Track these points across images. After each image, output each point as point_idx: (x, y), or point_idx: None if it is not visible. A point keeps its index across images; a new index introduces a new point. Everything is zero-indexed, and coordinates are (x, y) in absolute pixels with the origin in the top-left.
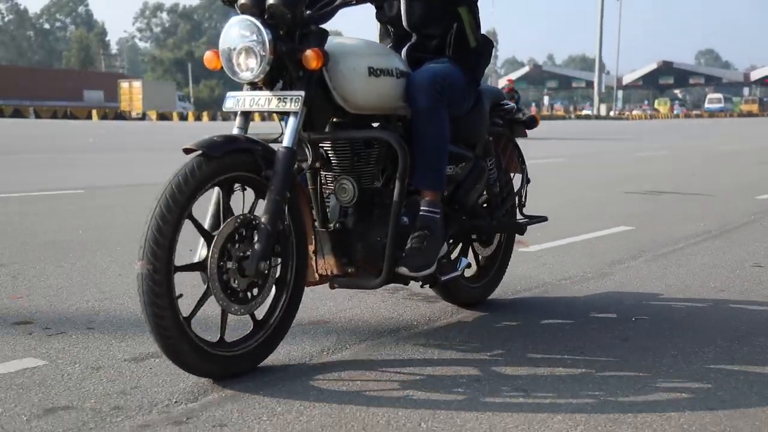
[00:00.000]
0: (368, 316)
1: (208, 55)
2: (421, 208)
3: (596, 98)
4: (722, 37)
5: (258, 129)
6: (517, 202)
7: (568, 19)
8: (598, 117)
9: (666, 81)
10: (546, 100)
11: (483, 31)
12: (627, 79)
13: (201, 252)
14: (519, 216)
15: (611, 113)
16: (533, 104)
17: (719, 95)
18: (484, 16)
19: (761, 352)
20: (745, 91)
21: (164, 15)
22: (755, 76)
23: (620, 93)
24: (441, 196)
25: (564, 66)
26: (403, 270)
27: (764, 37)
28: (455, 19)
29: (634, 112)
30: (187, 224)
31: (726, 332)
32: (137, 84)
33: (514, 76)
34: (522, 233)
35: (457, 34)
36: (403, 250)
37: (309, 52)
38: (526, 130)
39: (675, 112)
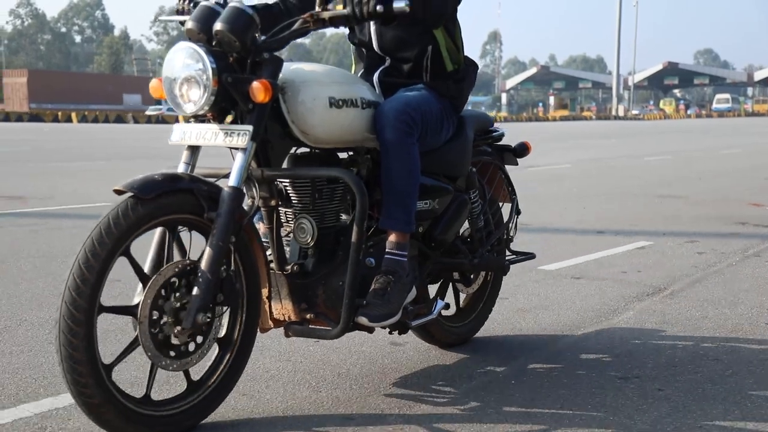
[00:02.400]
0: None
1: (153, 84)
2: (387, 250)
3: (615, 99)
4: (720, 36)
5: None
6: (504, 236)
7: (569, 19)
8: (617, 117)
9: (671, 81)
10: (551, 100)
11: (486, 32)
12: (632, 80)
13: (138, 296)
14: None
15: (627, 113)
16: (540, 104)
17: (727, 95)
18: (490, 18)
19: None
20: (749, 90)
21: None
22: (759, 76)
23: (626, 94)
24: (409, 237)
25: (566, 66)
26: (362, 320)
27: (763, 36)
28: (430, 41)
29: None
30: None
31: None
32: None
33: (521, 77)
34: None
35: (434, 57)
36: (365, 296)
37: (256, 84)
38: (517, 159)
39: (688, 112)
